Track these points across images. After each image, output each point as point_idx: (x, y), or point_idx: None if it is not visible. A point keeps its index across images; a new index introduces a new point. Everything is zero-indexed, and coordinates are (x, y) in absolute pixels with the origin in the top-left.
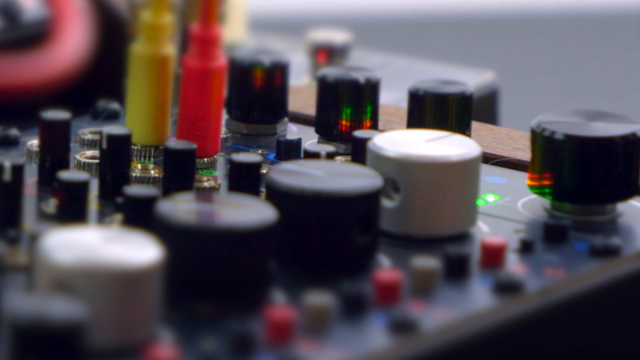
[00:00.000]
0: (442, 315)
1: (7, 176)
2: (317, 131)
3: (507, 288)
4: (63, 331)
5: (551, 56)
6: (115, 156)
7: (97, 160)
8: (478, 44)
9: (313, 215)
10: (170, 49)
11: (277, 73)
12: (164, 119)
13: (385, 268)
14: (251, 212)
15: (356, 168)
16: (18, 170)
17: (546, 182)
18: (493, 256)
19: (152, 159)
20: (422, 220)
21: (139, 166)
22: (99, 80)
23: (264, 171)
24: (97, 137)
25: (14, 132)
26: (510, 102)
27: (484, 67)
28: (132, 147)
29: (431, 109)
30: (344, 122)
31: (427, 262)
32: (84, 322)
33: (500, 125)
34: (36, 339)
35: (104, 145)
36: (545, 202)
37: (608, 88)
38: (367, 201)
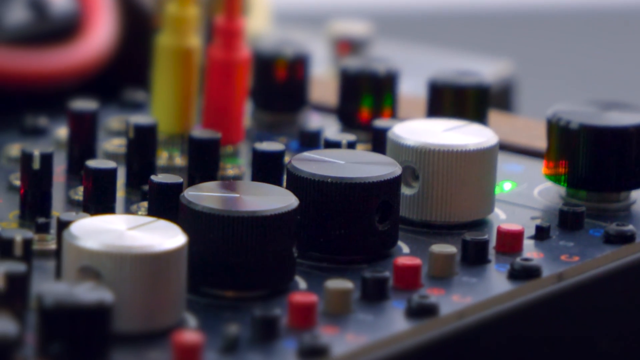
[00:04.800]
0: (460, 300)
1: (37, 164)
2: (338, 120)
3: (522, 274)
4: (90, 316)
5: (568, 47)
6: (142, 145)
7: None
8: (497, 34)
9: (334, 203)
10: (195, 41)
11: (299, 64)
12: (189, 109)
13: (405, 254)
14: (273, 199)
15: (376, 156)
16: (47, 159)
17: (562, 170)
18: (510, 242)
19: (177, 148)
20: (441, 208)
21: (165, 155)
22: (125, 70)
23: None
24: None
25: (42, 121)
26: (528, 91)
27: (502, 58)
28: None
29: (449, 100)
30: (364, 112)
31: (445, 248)
32: (110, 307)
33: (518, 114)
34: (64, 323)
35: (131, 135)
36: (561, 189)
37: (623, 78)
38: (387, 189)
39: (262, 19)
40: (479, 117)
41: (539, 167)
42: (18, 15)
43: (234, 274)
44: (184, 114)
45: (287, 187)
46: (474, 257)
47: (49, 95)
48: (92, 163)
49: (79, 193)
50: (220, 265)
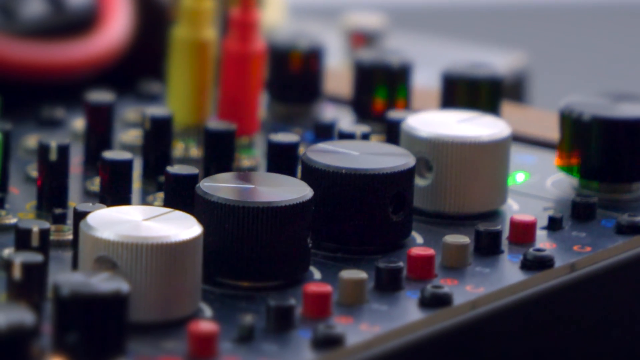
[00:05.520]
0: (473, 290)
1: (54, 156)
2: (352, 112)
3: (534, 264)
4: (106, 305)
5: (581, 39)
6: (158, 137)
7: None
8: (510, 26)
9: (348, 194)
10: (210, 33)
11: (314, 56)
12: (205, 101)
13: (419, 245)
14: (288, 190)
15: (390, 148)
16: (64, 150)
17: (574, 162)
18: (523, 233)
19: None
20: (454, 199)
21: (181, 146)
22: (141, 62)
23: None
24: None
25: (59, 113)
26: (541, 83)
27: (516, 50)
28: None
29: (462, 92)
30: (378, 104)
31: (458, 239)
32: (126, 297)
33: (532, 105)
34: (80, 313)
35: (147, 126)
36: (574, 180)
37: (636, 70)
38: (401, 180)
39: (277, 12)
40: (492, 109)
41: (552, 159)
42: (35, 8)
43: (249, 264)
44: (200, 106)
45: (302, 178)
46: (487, 247)
47: (65, 87)
48: (108, 154)
49: (95, 184)
50: (236, 255)
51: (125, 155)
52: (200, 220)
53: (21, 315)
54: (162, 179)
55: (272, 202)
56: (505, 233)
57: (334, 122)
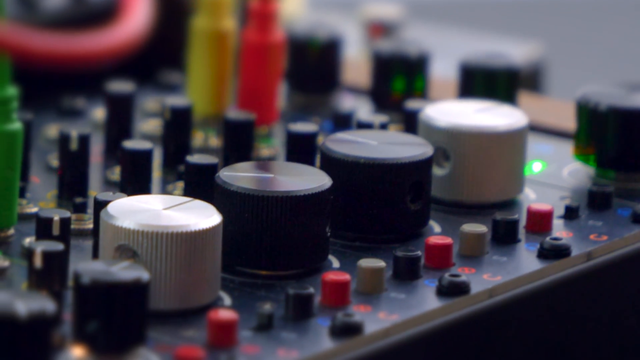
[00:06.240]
0: (490, 278)
1: (74, 145)
2: (371, 101)
3: (551, 253)
4: (127, 294)
5: (598, 29)
6: (177, 126)
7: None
8: (527, 16)
9: (367, 183)
10: (230, 24)
11: (333, 47)
12: (224, 91)
13: (436, 234)
14: (307, 179)
15: (408, 137)
16: (84, 140)
17: (590, 151)
18: (539, 222)
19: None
20: (472, 188)
21: (200, 136)
22: (161, 52)
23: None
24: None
25: (79, 102)
26: (558, 74)
27: (533, 39)
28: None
29: (480, 83)
30: (396, 94)
31: (476, 227)
32: (147, 285)
33: (548, 95)
34: (101, 301)
35: (167, 116)
36: (590, 170)
37: None
38: (419, 169)
39: (296, 3)
40: (509, 99)
41: (568, 148)
42: (56, 0)
43: (269, 253)
44: (219, 96)
45: (321, 168)
46: (504, 236)
47: (86, 77)
48: (128, 144)
49: (115, 173)
50: (255, 244)
51: (145, 145)
52: (219, 209)
53: (42, 303)
54: (182, 168)
55: (291, 192)
56: (522, 222)
57: (353, 112)
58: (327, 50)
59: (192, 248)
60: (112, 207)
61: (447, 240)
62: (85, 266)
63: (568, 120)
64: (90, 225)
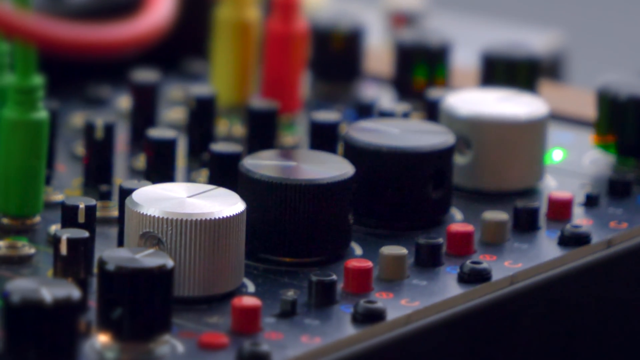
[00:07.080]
0: (511, 265)
1: (100, 134)
2: (393, 90)
3: (572, 240)
4: (151, 280)
5: (620, 17)
6: (202, 115)
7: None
8: (549, 4)
9: (389, 171)
10: (254, 14)
11: (355, 36)
12: (248, 80)
13: (458, 221)
14: (330, 167)
15: (430, 126)
16: (109, 129)
17: (611, 139)
18: (560, 210)
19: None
20: (493, 176)
21: (225, 124)
22: (186, 41)
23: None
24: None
25: (104, 91)
26: (579, 62)
27: (555, 28)
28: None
29: (501, 72)
30: (418, 83)
31: (497, 215)
32: (171, 272)
33: (569, 84)
34: (125, 288)
35: (191, 105)
36: (610, 158)
37: None
38: (441, 157)
39: None
40: (530, 87)
41: (589, 136)
42: None
43: (292, 240)
44: (243, 85)
45: (344, 156)
46: (525, 223)
47: (111, 66)
48: (153, 133)
49: (140, 162)
50: (278, 232)
51: (170, 134)
52: (243, 197)
53: (68, 290)
54: (206, 156)
55: (315, 180)
56: (543, 210)
57: (375, 101)
58: (350, 40)
59: (216, 235)
60: (137, 195)
61: (469, 227)
62: (110, 253)
63: (588, 109)
64: (116, 213)
